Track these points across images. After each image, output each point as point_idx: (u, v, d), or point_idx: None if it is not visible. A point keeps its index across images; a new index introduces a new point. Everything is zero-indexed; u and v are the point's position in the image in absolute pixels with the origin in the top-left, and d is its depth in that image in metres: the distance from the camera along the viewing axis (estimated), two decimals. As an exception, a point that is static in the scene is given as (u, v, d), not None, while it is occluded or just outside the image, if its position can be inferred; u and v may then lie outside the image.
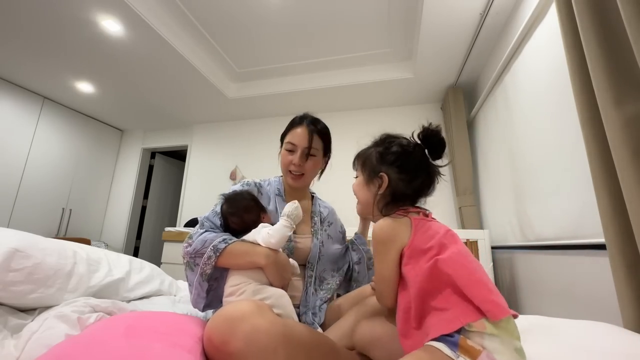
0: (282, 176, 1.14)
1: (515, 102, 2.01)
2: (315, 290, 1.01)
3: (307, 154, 1.01)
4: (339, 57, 2.90)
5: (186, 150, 4.15)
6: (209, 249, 0.84)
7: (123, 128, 4.41)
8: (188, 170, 4.01)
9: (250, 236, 0.88)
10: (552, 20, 1.52)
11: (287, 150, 1.04)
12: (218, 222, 0.95)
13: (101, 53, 2.64)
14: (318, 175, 1.15)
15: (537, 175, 1.74)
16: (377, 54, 2.83)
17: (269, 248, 0.84)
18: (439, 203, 3.09)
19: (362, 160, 0.79)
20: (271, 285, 0.84)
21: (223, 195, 0.97)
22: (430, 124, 0.75)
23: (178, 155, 4.76)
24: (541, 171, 1.70)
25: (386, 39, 2.65)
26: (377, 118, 3.39)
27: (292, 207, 0.88)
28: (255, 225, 0.91)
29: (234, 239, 0.88)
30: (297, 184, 1.06)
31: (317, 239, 1.05)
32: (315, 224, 1.08)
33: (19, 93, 3.24)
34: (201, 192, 3.85)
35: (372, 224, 0.81)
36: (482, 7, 2.02)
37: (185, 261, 0.89)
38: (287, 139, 1.05)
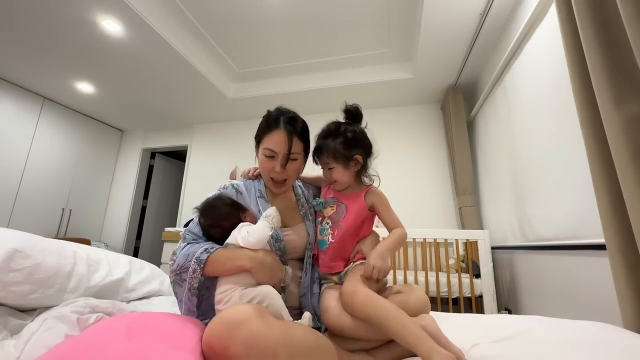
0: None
1: (515, 102, 2.01)
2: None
3: (287, 159, 0.95)
4: (339, 58, 2.91)
5: (186, 150, 4.15)
6: (192, 262, 0.82)
7: (123, 128, 4.41)
8: (188, 170, 4.01)
9: (232, 238, 0.86)
10: (552, 21, 1.52)
11: (266, 156, 0.96)
12: (200, 232, 0.93)
13: (101, 53, 2.64)
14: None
15: (537, 176, 1.74)
16: (377, 54, 2.83)
17: (251, 249, 0.83)
18: (439, 203, 3.09)
19: (333, 154, 0.96)
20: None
21: (197, 207, 0.93)
22: (348, 106, 1.05)
23: (178, 156, 4.76)
24: (541, 171, 1.70)
25: (386, 39, 2.65)
26: (377, 118, 3.38)
27: (272, 210, 0.87)
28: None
29: (216, 246, 0.86)
30: (281, 190, 1.03)
31: (309, 220, 1.03)
32: (302, 206, 1.05)
33: (19, 93, 3.24)
34: (201, 193, 3.84)
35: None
36: (482, 7, 2.02)
37: (171, 280, 0.86)
38: (264, 144, 0.96)
